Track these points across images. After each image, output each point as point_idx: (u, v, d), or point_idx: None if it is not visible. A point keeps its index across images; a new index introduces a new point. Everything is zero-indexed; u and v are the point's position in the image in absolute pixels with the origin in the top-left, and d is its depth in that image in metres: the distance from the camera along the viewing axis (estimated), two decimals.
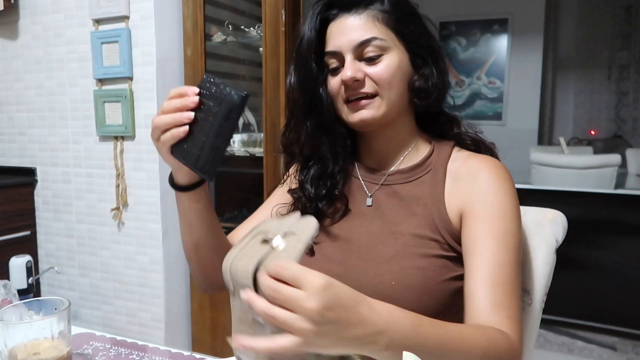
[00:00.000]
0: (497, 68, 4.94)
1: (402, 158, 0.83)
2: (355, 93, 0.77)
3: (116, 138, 1.96)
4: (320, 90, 0.81)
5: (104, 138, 2.00)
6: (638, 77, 5.05)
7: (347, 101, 0.79)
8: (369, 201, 0.83)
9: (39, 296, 1.67)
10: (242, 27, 2.09)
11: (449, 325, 0.58)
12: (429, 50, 0.79)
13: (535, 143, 4.80)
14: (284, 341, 0.47)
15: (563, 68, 5.24)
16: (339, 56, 0.78)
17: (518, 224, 0.74)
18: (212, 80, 0.64)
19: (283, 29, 1.75)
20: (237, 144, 2.04)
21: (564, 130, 5.18)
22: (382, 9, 0.77)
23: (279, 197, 0.93)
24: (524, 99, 4.87)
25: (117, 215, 2.00)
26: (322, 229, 0.83)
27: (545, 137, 5.14)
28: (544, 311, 0.86)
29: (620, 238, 2.63)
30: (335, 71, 0.79)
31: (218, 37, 2.02)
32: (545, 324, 2.54)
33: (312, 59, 0.80)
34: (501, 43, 4.89)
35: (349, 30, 0.76)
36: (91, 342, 0.86)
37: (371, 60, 0.76)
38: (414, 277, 0.72)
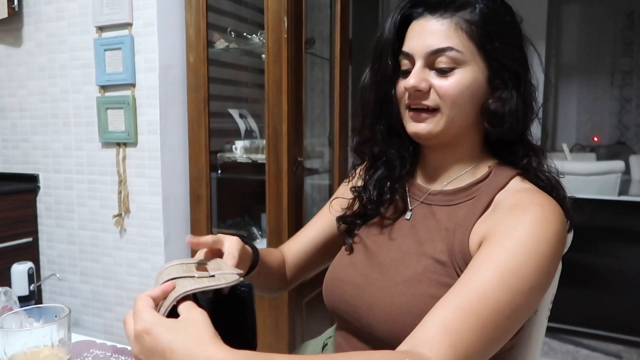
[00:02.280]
0: None
1: (452, 179, 0.78)
2: (416, 102, 0.73)
3: (119, 145, 1.96)
4: (393, 90, 0.78)
5: (106, 145, 2.00)
6: None
7: (409, 108, 0.75)
8: (408, 215, 0.80)
9: (41, 303, 1.66)
10: (245, 34, 2.10)
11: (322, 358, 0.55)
12: (512, 73, 0.71)
13: None
14: None
15: (566, 75, 5.25)
16: (411, 59, 0.73)
17: (533, 274, 0.61)
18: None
19: (285, 35, 1.75)
20: (240, 150, 2.04)
21: (567, 137, 5.18)
22: (468, 19, 0.70)
23: (342, 192, 0.93)
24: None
25: (119, 222, 2.00)
26: (359, 235, 0.84)
27: (549, 144, 5.13)
28: (548, 319, 0.85)
29: (624, 245, 2.62)
30: (406, 74, 0.74)
31: (221, 44, 2.03)
32: (549, 332, 2.52)
33: (387, 57, 0.76)
34: None
35: (427, 34, 0.71)
36: (91, 350, 0.85)
37: (442, 73, 0.71)
38: (425, 304, 0.65)
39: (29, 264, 1.79)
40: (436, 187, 0.79)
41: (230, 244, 0.70)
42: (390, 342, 0.67)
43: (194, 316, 0.50)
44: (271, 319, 1.88)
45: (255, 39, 2.03)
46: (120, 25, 1.89)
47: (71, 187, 2.11)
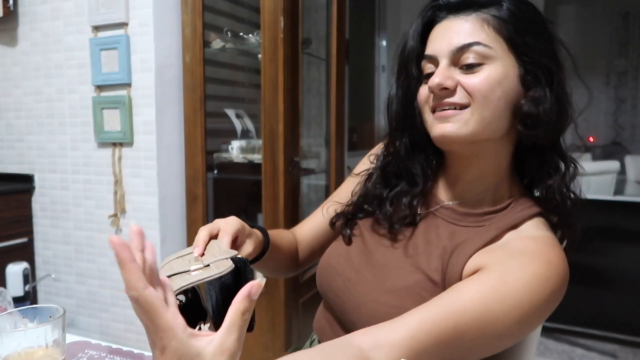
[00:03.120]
0: None
1: (471, 195, 0.73)
2: (441, 103, 0.67)
3: (114, 145, 1.96)
4: (416, 101, 0.74)
5: (102, 145, 2.00)
6: (636, 83, 5.06)
7: (434, 111, 0.69)
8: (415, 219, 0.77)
9: (36, 303, 1.65)
10: (241, 33, 2.09)
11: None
12: (545, 70, 0.66)
13: None
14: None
15: None
16: (435, 61, 0.69)
17: (510, 322, 0.60)
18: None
19: (282, 35, 1.75)
20: (236, 150, 2.04)
21: (563, 137, 5.19)
22: (495, 14, 0.66)
23: (353, 186, 0.90)
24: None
25: (115, 222, 1.99)
26: (361, 230, 0.82)
27: None
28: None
29: (620, 245, 2.62)
30: (429, 77, 0.69)
31: (217, 43, 2.03)
32: (545, 331, 2.53)
33: (413, 66, 0.72)
34: None
35: (451, 33, 0.67)
36: (86, 351, 0.85)
37: (469, 69, 0.66)
38: None
39: (24, 265, 1.78)
40: (452, 198, 0.76)
41: (226, 222, 0.69)
42: None
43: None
44: (268, 319, 1.87)
45: (251, 38, 2.03)
46: (116, 25, 1.88)
47: (67, 187, 2.10)
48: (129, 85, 1.90)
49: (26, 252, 2.17)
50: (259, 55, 1.83)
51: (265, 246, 0.79)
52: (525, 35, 0.66)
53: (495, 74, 0.65)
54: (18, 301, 1.66)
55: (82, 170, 2.06)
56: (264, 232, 0.80)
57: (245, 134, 2.20)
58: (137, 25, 1.86)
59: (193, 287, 0.55)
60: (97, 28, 1.93)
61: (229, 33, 2.09)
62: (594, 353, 2.51)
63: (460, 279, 0.66)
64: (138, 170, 1.94)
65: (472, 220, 0.72)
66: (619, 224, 2.65)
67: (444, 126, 0.67)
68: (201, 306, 0.56)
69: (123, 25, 1.87)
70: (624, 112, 5.15)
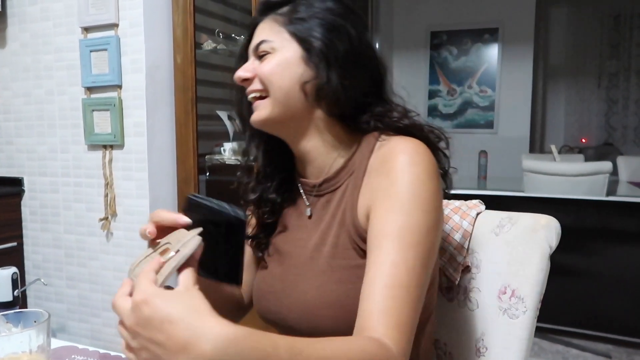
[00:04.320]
0: (488, 77, 4.97)
1: (329, 165, 0.79)
2: (248, 92, 0.78)
3: (105, 147, 1.94)
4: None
5: (92, 147, 1.97)
6: (627, 85, 5.09)
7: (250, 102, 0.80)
8: (308, 211, 0.82)
9: (26, 308, 1.63)
10: (233, 35, 2.08)
11: (316, 343, 0.53)
12: (324, 52, 0.74)
13: (527, 151, 4.82)
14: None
15: (553, 76, 5.29)
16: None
17: (423, 217, 0.66)
18: (199, 201, 0.61)
19: None
20: (228, 152, 2.02)
21: (555, 138, 5.21)
22: (282, 12, 0.77)
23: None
24: (515, 107, 4.90)
25: (105, 225, 1.97)
26: (271, 242, 0.85)
27: (537, 145, 5.16)
28: (538, 319, 0.85)
29: (612, 245, 2.63)
30: None
31: (208, 45, 2.01)
32: (539, 332, 2.53)
33: (238, 63, 0.82)
34: (492, 52, 4.93)
35: (255, 33, 0.79)
36: (73, 356, 0.83)
37: (261, 59, 0.76)
38: (334, 292, 0.70)
39: (13, 269, 1.75)
40: (319, 175, 0.81)
41: (164, 211, 0.67)
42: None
43: (193, 289, 0.50)
44: (261, 322, 1.86)
45: (243, 40, 2.01)
46: (106, 26, 1.87)
47: (57, 190, 2.08)
48: (119, 86, 1.88)
49: (15, 256, 2.14)
50: None
51: None
52: (299, 24, 0.75)
53: (278, 59, 0.74)
54: (7, 306, 1.63)
55: (72, 173, 2.04)
56: None
57: (237, 136, 2.19)
58: (127, 26, 1.84)
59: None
60: (87, 29, 1.91)
61: (220, 34, 2.08)
62: (588, 353, 2.51)
63: (360, 226, 0.71)
64: (129, 172, 1.92)
65: (343, 173, 0.78)
66: (612, 224, 2.65)
67: (254, 115, 0.77)
68: None
69: (113, 26, 1.85)
70: (616, 113, 5.18)
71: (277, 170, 0.86)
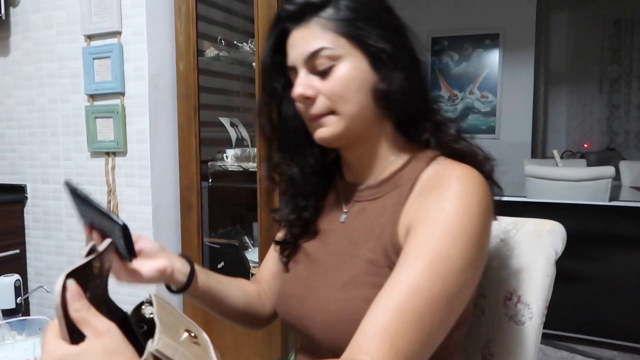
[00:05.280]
0: (489, 82, 4.98)
1: (377, 172, 0.76)
2: (310, 116, 0.72)
3: (108, 154, 1.94)
4: (286, 109, 0.78)
5: (95, 154, 1.98)
6: (629, 90, 5.09)
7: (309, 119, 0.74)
8: (343, 217, 0.79)
9: (28, 316, 1.62)
10: (235, 42, 2.09)
11: None
12: (388, 54, 0.70)
13: (529, 156, 4.82)
14: None
15: (555, 82, 5.29)
16: (296, 71, 0.73)
17: (463, 252, 0.61)
18: (84, 196, 0.61)
19: None
20: (231, 158, 2.02)
21: (557, 143, 5.21)
22: (331, 16, 0.70)
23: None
24: (516, 112, 4.90)
25: None
26: (300, 246, 0.83)
27: (539, 150, 5.16)
28: (543, 326, 0.84)
29: (616, 250, 2.62)
30: None
31: (211, 52, 2.02)
32: (544, 338, 2.52)
33: (270, 79, 0.78)
34: (493, 57, 4.94)
35: (299, 42, 0.72)
36: None
37: (323, 75, 0.70)
38: (359, 307, 0.63)
39: (16, 277, 1.74)
40: (362, 180, 0.78)
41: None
42: (334, 351, 0.65)
43: (103, 335, 0.47)
44: (264, 330, 1.85)
45: (245, 47, 2.02)
46: (109, 34, 1.87)
47: (59, 198, 2.08)
48: (122, 94, 1.88)
49: (18, 264, 2.14)
50: (254, 64, 1.82)
51: (189, 277, 0.77)
52: (362, 27, 0.70)
53: (346, 72, 0.69)
54: (9, 314, 1.63)
55: (75, 180, 2.04)
56: (190, 263, 0.79)
57: (240, 143, 2.19)
58: (130, 34, 1.85)
59: (151, 320, 0.53)
60: (89, 37, 1.92)
61: (223, 42, 2.09)
62: (593, 359, 2.50)
63: (399, 244, 0.67)
64: (132, 179, 1.92)
65: (388, 186, 0.74)
66: (615, 230, 2.64)
67: (320, 131, 0.73)
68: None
69: (116, 34, 1.86)
70: (618, 118, 5.17)
71: (316, 189, 0.83)
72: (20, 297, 1.76)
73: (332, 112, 0.71)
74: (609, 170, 2.71)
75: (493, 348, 0.85)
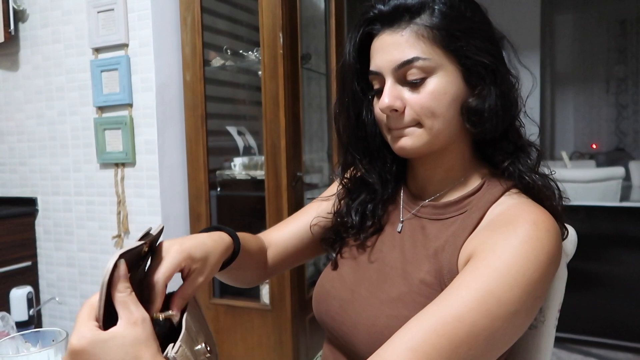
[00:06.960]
0: None
1: (445, 190, 0.74)
2: (394, 128, 0.69)
3: (117, 165, 1.96)
4: (364, 113, 0.76)
5: (104, 165, 2.00)
6: (636, 89, 5.07)
7: (389, 129, 0.71)
8: (399, 227, 0.77)
9: (41, 327, 1.63)
10: (241, 51, 2.11)
11: None
12: (487, 67, 0.66)
13: None
14: None
15: (561, 83, 5.27)
16: (381, 77, 0.69)
17: (519, 298, 0.57)
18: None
19: (281, 51, 1.76)
20: (238, 167, 2.03)
21: (566, 145, 5.19)
22: (427, 24, 0.66)
23: (317, 211, 0.88)
24: (523, 114, 4.88)
25: (118, 243, 1.98)
26: (351, 244, 0.81)
27: (547, 152, 5.14)
28: (556, 329, 0.84)
29: (628, 251, 2.59)
30: (380, 93, 0.70)
31: (217, 61, 2.03)
32: (557, 341, 2.49)
33: (352, 81, 0.74)
34: None
35: (390, 48, 0.67)
36: None
37: (414, 86, 0.66)
38: None
39: (28, 288, 1.76)
40: (428, 196, 0.76)
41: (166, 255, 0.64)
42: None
43: (134, 325, 0.48)
44: (275, 337, 1.85)
45: (251, 55, 2.03)
46: (117, 46, 1.90)
47: (70, 209, 2.10)
48: (130, 105, 1.90)
49: (30, 276, 2.16)
50: (259, 72, 1.83)
51: (235, 250, 0.73)
52: (461, 39, 0.66)
53: (439, 86, 0.66)
54: (22, 325, 1.64)
55: (84, 192, 2.06)
56: (233, 236, 0.74)
57: (247, 151, 2.20)
58: (137, 46, 1.87)
59: (171, 322, 0.54)
60: (97, 50, 1.94)
61: (228, 51, 2.10)
62: None
63: (456, 272, 0.64)
64: (141, 190, 1.93)
65: (454, 209, 0.71)
66: (627, 230, 2.62)
67: (402, 141, 0.69)
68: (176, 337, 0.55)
69: (123, 46, 1.88)
70: (626, 118, 5.15)
71: (390, 196, 0.80)
72: (32, 309, 1.77)
73: (417, 124, 0.68)
74: (619, 170, 2.69)
75: (506, 352, 0.85)
